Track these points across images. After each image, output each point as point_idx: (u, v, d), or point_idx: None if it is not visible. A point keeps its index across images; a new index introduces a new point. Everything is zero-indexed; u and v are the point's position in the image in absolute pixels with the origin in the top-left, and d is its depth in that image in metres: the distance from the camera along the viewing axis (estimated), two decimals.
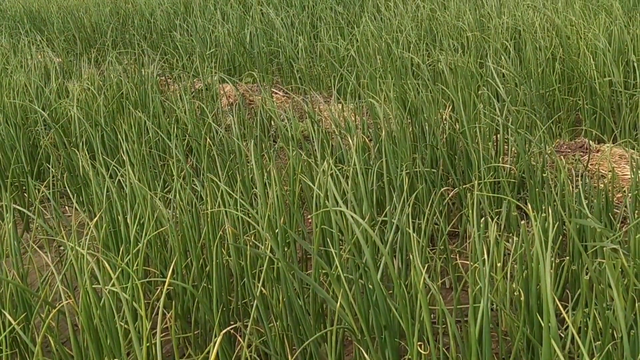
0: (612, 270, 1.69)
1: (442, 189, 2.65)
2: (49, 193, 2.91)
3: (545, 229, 1.93)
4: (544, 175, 2.54)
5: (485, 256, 1.69)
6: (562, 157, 3.29)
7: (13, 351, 2.09)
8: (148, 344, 1.75)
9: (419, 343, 1.61)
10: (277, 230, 1.96)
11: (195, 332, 2.07)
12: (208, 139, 2.79)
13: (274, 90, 4.90)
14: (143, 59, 5.14)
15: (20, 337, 2.07)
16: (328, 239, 2.24)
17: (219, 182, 2.21)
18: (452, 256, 2.43)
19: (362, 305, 1.74)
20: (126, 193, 2.40)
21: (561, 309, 1.33)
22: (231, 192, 2.16)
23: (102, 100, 3.67)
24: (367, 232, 1.89)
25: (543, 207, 2.45)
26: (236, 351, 2.02)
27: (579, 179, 2.60)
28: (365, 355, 1.64)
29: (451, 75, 3.56)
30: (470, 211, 2.01)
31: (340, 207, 1.80)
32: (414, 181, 2.78)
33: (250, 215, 2.23)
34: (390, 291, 2.15)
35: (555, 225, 2.05)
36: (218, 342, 1.36)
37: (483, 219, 2.07)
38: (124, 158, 2.55)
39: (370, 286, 1.76)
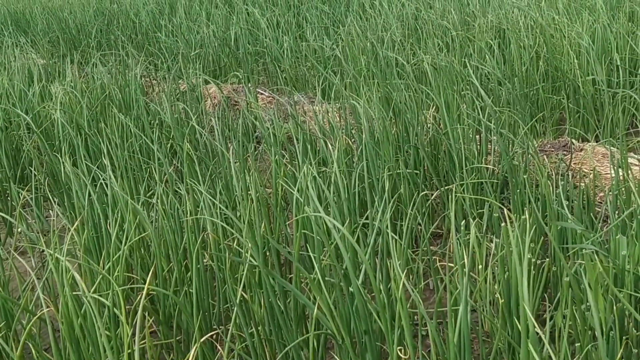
0: (590, 272, 1.70)
1: (425, 191, 2.65)
2: (32, 198, 2.90)
3: (524, 230, 1.93)
4: (525, 177, 2.55)
5: (465, 259, 1.70)
6: (545, 156, 3.30)
7: None
8: (129, 351, 1.74)
9: (399, 347, 1.61)
10: (257, 237, 1.96)
11: (178, 338, 2.07)
12: (187, 144, 2.78)
13: (259, 90, 4.89)
14: (127, 61, 5.12)
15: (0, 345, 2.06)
16: (309, 244, 2.24)
17: (199, 188, 2.21)
18: (434, 257, 2.43)
19: (343, 310, 1.74)
20: (108, 198, 2.39)
21: (530, 316, 1.33)
22: (212, 198, 2.15)
23: (86, 103, 3.66)
24: (349, 235, 1.89)
25: (524, 209, 2.46)
26: (217, 356, 2.02)
27: (561, 179, 2.61)
28: None
29: (435, 75, 3.57)
30: (452, 213, 2.01)
31: (321, 211, 1.80)
32: (397, 183, 2.79)
33: (231, 220, 2.23)
34: (372, 294, 2.16)
35: (534, 228, 2.06)
36: (193, 350, 1.36)
37: (464, 220, 2.08)
38: (106, 163, 2.54)
39: (351, 289, 1.76)
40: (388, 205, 2.16)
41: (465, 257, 1.66)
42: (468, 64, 3.33)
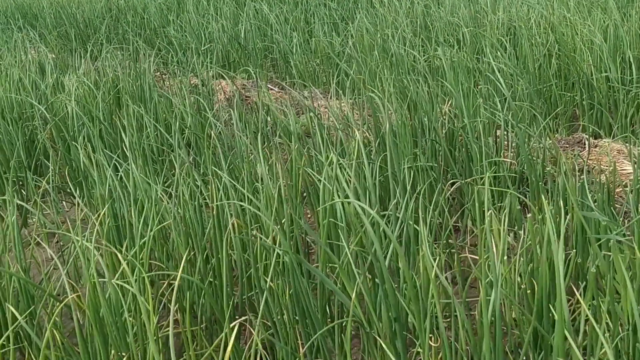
0: (621, 262, 1.70)
1: (446, 184, 2.64)
2: (49, 188, 2.89)
3: (554, 219, 1.93)
4: (547, 169, 2.54)
5: (494, 247, 1.69)
6: (560, 152, 3.29)
7: (17, 346, 2.07)
8: (155, 338, 1.74)
9: (429, 335, 1.61)
10: (283, 220, 1.96)
11: (201, 326, 2.06)
12: (213, 134, 2.77)
13: (269, 86, 4.89)
14: (138, 55, 5.12)
15: (24, 331, 2.06)
16: (332, 232, 2.23)
17: (222, 175, 2.21)
18: (454, 251, 2.42)
19: (371, 297, 1.73)
20: (130, 187, 2.39)
21: (580, 298, 1.33)
22: (236, 184, 2.15)
23: (100, 94, 3.65)
24: (375, 224, 1.88)
25: (546, 201, 2.45)
26: (242, 344, 2.02)
27: (582, 173, 2.61)
28: (374, 348, 1.64)
29: (449, 70, 3.56)
30: (477, 204, 2.01)
31: (351, 197, 1.80)
32: (416, 176, 2.78)
33: (255, 207, 2.22)
34: (396, 285, 2.15)
35: (567, 218, 2.05)
36: (233, 336, 1.35)
37: (489, 212, 2.07)
38: (127, 153, 2.53)
39: (377, 281, 1.75)
40: (412, 198, 2.15)
41: (494, 247, 1.66)
42: (490, 58, 3.32)
